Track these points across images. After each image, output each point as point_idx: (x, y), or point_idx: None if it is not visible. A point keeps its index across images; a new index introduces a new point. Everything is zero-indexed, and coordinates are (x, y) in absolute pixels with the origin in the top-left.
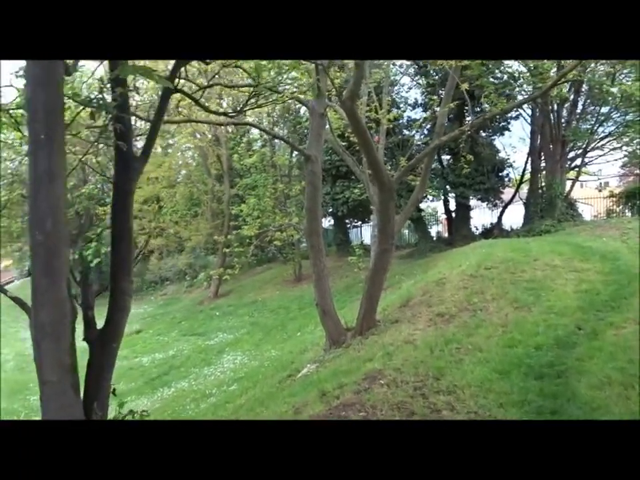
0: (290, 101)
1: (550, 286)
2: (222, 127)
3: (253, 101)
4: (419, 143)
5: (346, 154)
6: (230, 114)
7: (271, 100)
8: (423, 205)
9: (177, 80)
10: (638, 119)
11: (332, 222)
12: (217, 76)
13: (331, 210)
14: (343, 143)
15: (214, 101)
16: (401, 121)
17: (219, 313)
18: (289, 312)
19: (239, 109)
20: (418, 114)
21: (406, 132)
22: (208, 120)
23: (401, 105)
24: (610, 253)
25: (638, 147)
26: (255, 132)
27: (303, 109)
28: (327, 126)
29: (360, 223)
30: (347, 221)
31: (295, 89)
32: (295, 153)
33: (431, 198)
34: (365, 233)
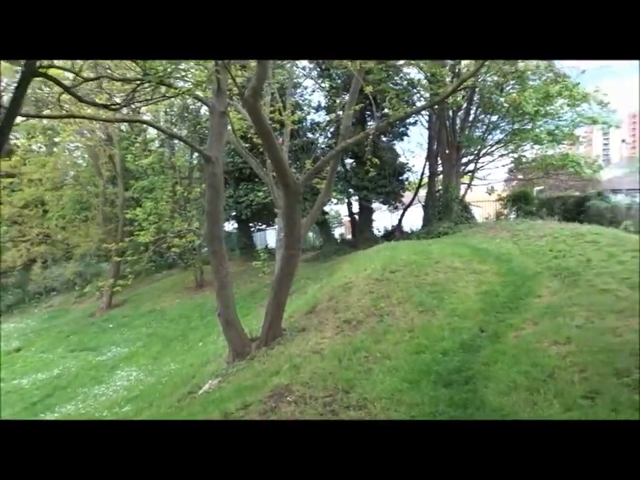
0: (189, 99)
1: (452, 288)
2: (114, 125)
3: (144, 95)
4: (323, 146)
5: (249, 155)
6: (113, 106)
7: (164, 95)
8: (326, 208)
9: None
10: (523, 127)
11: (235, 225)
12: (108, 70)
13: (234, 213)
14: (246, 145)
15: (103, 96)
16: (304, 124)
17: (112, 325)
18: (190, 321)
19: (123, 101)
20: (321, 117)
21: (310, 135)
22: (94, 116)
23: (305, 108)
24: (504, 254)
25: (522, 154)
26: (152, 131)
27: (204, 108)
28: (229, 126)
29: (264, 226)
30: (250, 224)
31: (191, 85)
32: (196, 154)
33: (335, 201)
34: (270, 237)
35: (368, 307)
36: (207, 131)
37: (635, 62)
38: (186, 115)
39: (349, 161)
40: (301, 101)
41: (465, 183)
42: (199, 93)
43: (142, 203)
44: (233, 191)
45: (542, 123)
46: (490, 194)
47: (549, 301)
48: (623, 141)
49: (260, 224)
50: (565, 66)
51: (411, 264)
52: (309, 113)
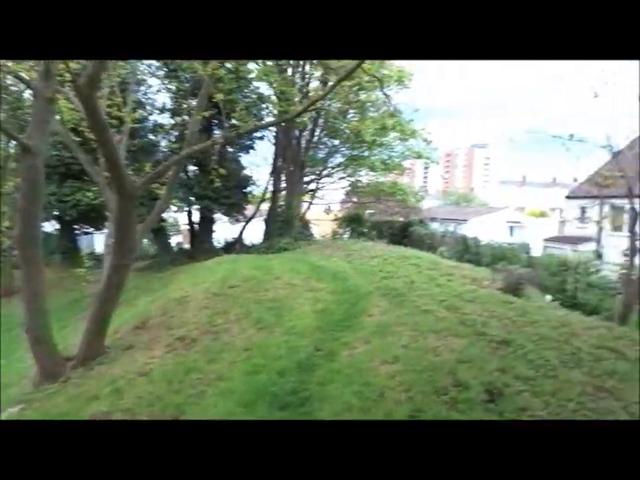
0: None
1: (291, 305)
2: None
3: None
4: (165, 149)
5: (79, 150)
6: None
7: None
8: (164, 215)
9: None
10: (361, 154)
11: (57, 227)
12: None
13: (56, 213)
14: (77, 139)
15: None
16: (146, 124)
17: None
18: None
19: None
20: (166, 119)
21: (152, 136)
22: None
23: (148, 107)
24: (340, 272)
25: (359, 178)
26: None
27: (29, 92)
28: (57, 116)
29: (92, 229)
30: (75, 226)
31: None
32: (13, 142)
33: (174, 208)
34: (99, 242)
35: (204, 323)
36: (29, 118)
37: (462, 103)
38: (4, 96)
39: (192, 168)
40: (144, 100)
41: (306, 201)
42: (22, 73)
43: None
44: (57, 188)
45: (377, 152)
46: (327, 213)
47: (379, 320)
48: (442, 176)
49: (87, 227)
50: (400, 102)
51: (251, 279)
52: (151, 113)
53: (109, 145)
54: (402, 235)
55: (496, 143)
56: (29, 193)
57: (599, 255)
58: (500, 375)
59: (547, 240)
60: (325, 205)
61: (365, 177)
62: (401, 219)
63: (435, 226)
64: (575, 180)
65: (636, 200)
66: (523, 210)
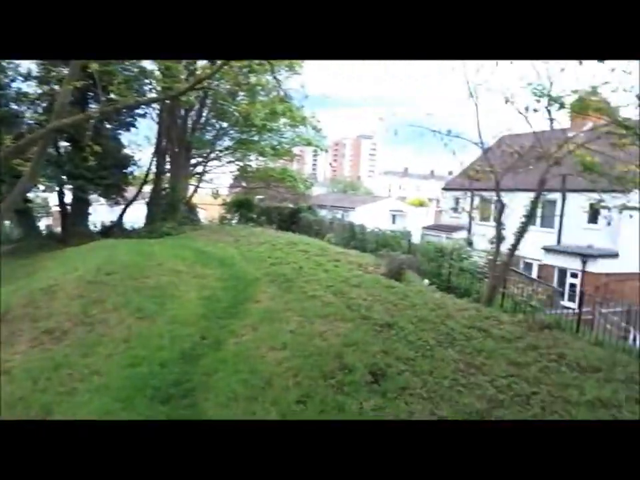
0: None
1: (174, 293)
2: None
3: None
4: (30, 121)
5: None
6: None
7: None
8: (31, 195)
9: None
10: (250, 139)
11: None
12: None
13: None
14: None
15: None
16: (8, 92)
17: None
18: None
19: None
20: (31, 87)
21: (14, 106)
22: None
23: (9, 72)
24: (227, 259)
25: (248, 163)
26: None
27: None
28: None
29: None
30: None
31: None
32: None
33: (42, 187)
34: None
35: (76, 314)
36: None
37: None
38: None
39: (64, 144)
40: (5, 64)
41: (192, 185)
42: None
43: None
44: None
45: (267, 137)
46: (215, 198)
47: (267, 306)
48: (330, 164)
49: None
50: (291, 88)
51: (131, 266)
52: (14, 80)
53: None
54: (291, 221)
55: (381, 135)
56: None
57: (469, 243)
58: (383, 357)
59: (425, 228)
60: (213, 189)
61: (255, 161)
62: (290, 206)
63: (323, 213)
64: (450, 173)
65: (502, 193)
66: (404, 199)
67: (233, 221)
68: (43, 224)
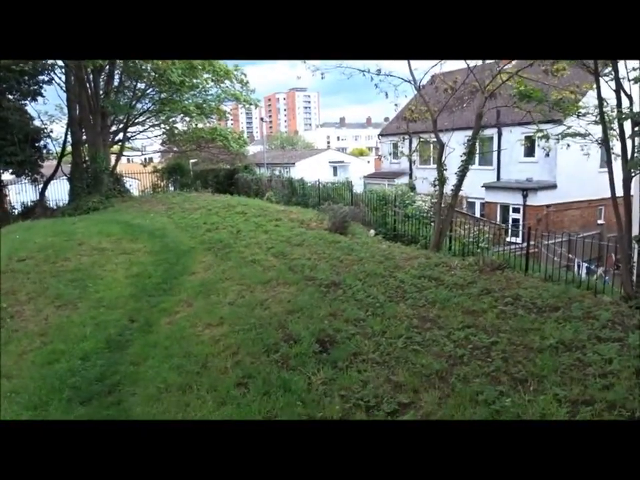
0: None
1: (99, 274)
2: None
3: None
4: None
5: None
6: None
7: None
8: None
9: None
10: (172, 98)
11: None
12: None
13: None
14: None
15: None
16: None
17: None
18: None
19: None
20: None
21: None
22: None
23: None
24: (158, 230)
25: (174, 125)
26: None
27: None
28: None
29: None
30: None
31: None
32: None
33: None
34: None
35: None
36: None
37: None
38: None
39: None
40: None
41: (114, 153)
42: None
43: None
44: None
45: (190, 95)
46: (145, 166)
47: (203, 278)
48: (262, 119)
49: None
50: None
51: (47, 248)
52: None
53: None
54: (228, 182)
55: (313, 86)
56: None
57: (412, 188)
58: (331, 321)
59: (366, 177)
60: (140, 157)
61: (181, 123)
62: (227, 167)
63: (262, 171)
64: (387, 119)
65: (440, 134)
66: (344, 150)
67: (171, 188)
68: None
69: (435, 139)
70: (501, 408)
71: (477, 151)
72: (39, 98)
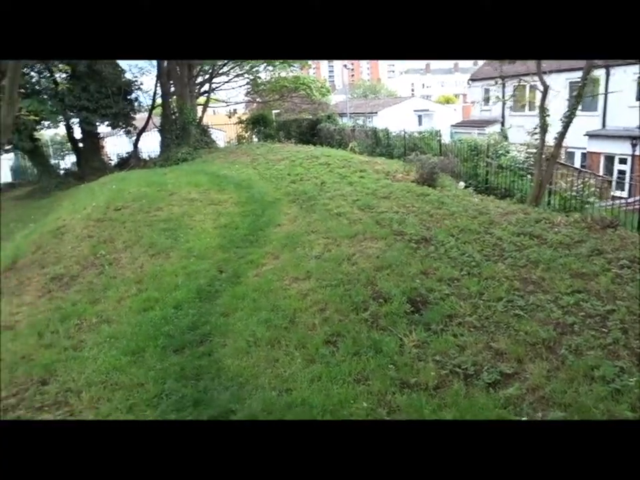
0: None
1: (188, 224)
2: None
3: None
4: None
5: None
6: None
7: None
8: (50, 133)
9: None
10: None
11: None
12: None
13: None
14: None
15: None
16: None
17: None
18: None
19: None
20: None
21: None
22: None
23: None
24: (244, 181)
25: (258, 75)
26: None
27: None
28: None
29: None
30: None
31: None
32: None
33: (46, 124)
34: None
35: (86, 256)
36: None
37: None
38: None
39: (62, 76)
40: None
41: (201, 105)
42: None
43: None
44: None
45: None
46: (230, 117)
47: (288, 230)
48: (345, 65)
49: None
50: None
51: (141, 198)
52: None
53: None
54: (311, 133)
55: None
56: None
57: (504, 137)
58: (423, 280)
59: (454, 126)
60: (226, 108)
61: (264, 72)
62: (310, 117)
63: (344, 121)
64: (476, 63)
65: (544, 75)
66: (429, 98)
67: (255, 139)
68: (69, 163)
69: (536, 82)
70: (622, 387)
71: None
72: None
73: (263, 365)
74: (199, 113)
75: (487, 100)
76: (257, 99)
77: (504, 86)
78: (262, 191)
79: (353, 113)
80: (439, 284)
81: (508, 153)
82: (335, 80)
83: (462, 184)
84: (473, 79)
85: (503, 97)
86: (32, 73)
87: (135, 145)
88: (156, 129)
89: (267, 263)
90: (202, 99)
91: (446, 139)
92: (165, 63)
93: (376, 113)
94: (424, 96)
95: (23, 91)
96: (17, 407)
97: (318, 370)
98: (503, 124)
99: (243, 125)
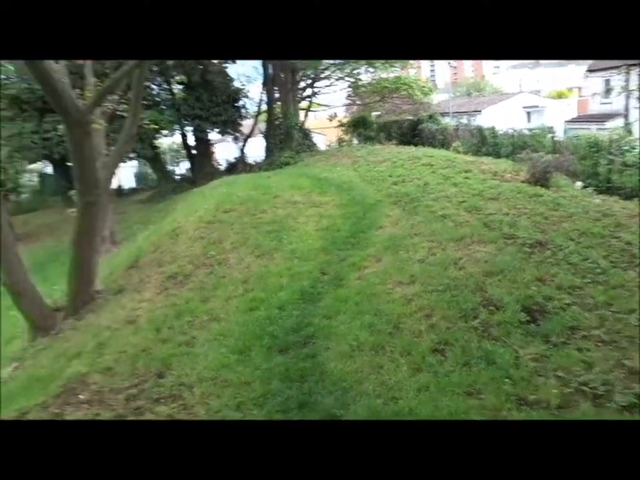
0: None
1: (292, 226)
2: None
3: None
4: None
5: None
6: None
7: None
8: (168, 141)
9: None
10: None
11: (51, 167)
12: None
13: (45, 152)
14: None
15: None
16: None
17: None
18: None
19: None
20: None
21: None
22: None
23: None
24: (345, 183)
25: (358, 77)
26: None
27: None
28: None
29: None
30: (69, 164)
31: None
32: None
33: (165, 132)
34: None
35: (197, 256)
36: None
37: None
38: None
39: (178, 87)
40: None
41: (303, 109)
42: None
43: None
44: (37, 125)
45: None
46: (331, 120)
47: (391, 232)
48: (449, 64)
49: None
50: None
51: (248, 201)
52: None
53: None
54: (412, 134)
55: None
56: None
57: (629, 131)
58: (539, 287)
59: (568, 122)
60: (326, 112)
61: (365, 75)
62: (410, 117)
63: (446, 120)
64: None
65: None
66: (539, 93)
67: (355, 142)
68: (184, 169)
69: None
70: None
71: None
72: (237, 60)
73: (366, 370)
74: (301, 117)
75: (607, 92)
76: (357, 102)
77: (628, 77)
78: (363, 193)
79: (456, 112)
80: (558, 292)
81: (634, 149)
82: (436, 79)
83: (579, 184)
84: (591, 70)
85: (627, 88)
86: (152, 86)
87: (242, 150)
88: (261, 135)
89: (369, 266)
90: (304, 104)
91: (559, 135)
92: (270, 69)
93: (480, 111)
94: (533, 91)
95: (145, 102)
96: (137, 397)
97: (425, 379)
98: (626, 117)
99: (343, 128)
